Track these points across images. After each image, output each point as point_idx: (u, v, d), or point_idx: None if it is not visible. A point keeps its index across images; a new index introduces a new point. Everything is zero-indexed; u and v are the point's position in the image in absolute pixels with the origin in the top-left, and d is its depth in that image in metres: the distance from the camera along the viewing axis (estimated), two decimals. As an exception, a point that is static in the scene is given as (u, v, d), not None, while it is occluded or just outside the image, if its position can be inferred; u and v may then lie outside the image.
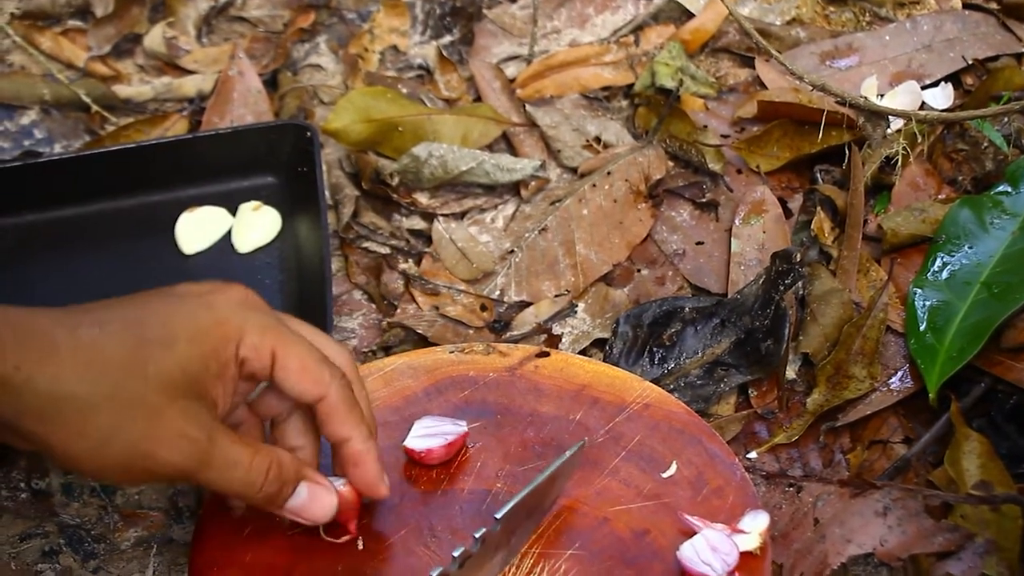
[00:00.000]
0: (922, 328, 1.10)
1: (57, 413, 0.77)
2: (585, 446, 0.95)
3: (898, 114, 1.23)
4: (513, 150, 1.33)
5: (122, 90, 1.39)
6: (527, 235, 1.24)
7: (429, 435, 0.99)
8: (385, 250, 1.25)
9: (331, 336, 0.94)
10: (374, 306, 1.21)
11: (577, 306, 1.20)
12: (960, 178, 1.25)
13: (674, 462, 0.98)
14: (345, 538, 0.92)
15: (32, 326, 0.77)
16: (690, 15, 1.43)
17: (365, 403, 0.91)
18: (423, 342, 1.16)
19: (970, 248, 1.15)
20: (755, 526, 0.92)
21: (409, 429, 1.00)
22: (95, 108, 1.37)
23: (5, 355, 0.75)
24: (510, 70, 1.40)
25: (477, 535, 0.84)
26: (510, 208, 1.28)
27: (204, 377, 0.82)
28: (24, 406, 0.76)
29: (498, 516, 0.85)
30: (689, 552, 0.90)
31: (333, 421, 0.88)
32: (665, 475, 0.98)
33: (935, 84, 1.32)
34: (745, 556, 0.91)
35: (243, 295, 0.87)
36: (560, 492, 0.94)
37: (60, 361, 0.77)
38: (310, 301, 1.14)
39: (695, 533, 0.92)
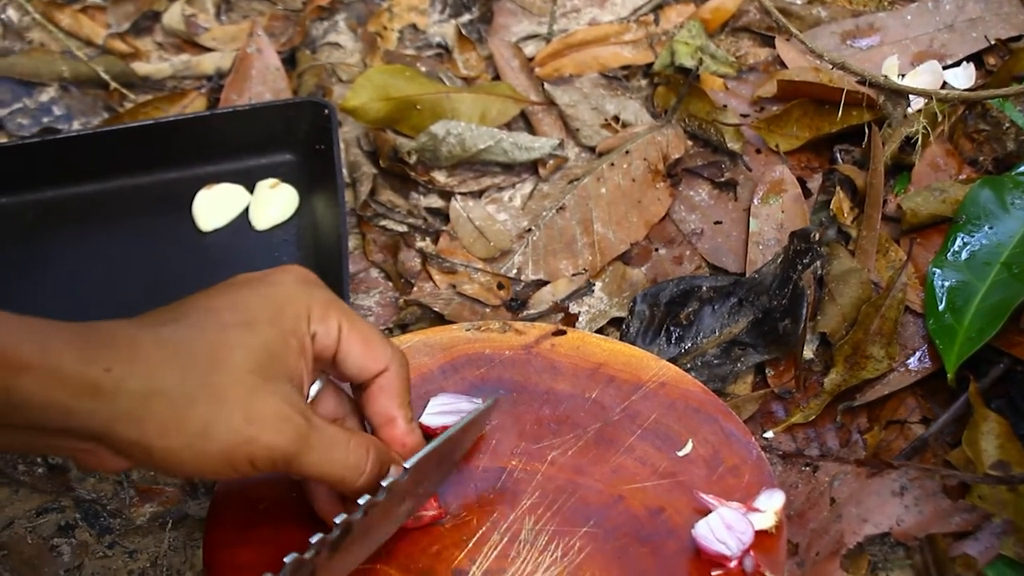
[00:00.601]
0: (941, 308, 1.10)
1: (153, 411, 0.75)
2: (499, 401, 0.95)
3: (918, 93, 1.22)
4: (531, 129, 1.32)
5: (141, 67, 1.39)
6: (545, 214, 1.24)
7: (445, 412, 0.99)
8: (402, 228, 1.25)
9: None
10: (391, 284, 1.21)
11: (594, 285, 1.20)
12: (981, 159, 1.24)
13: (690, 440, 0.98)
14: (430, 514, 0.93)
15: (112, 331, 0.77)
16: (710, -6, 1.43)
17: (408, 391, 0.90)
18: (439, 320, 1.16)
19: (990, 228, 1.14)
20: (770, 505, 0.91)
21: (425, 406, 1.00)
22: (114, 85, 1.37)
23: (94, 359, 0.74)
24: (529, 49, 1.40)
25: (384, 483, 0.83)
26: (528, 187, 1.28)
27: (287, 355, 0.81)
28: (118, 410, 0.75)
29: (407, 466, 0.84)
30: (704, 530, 0.90)
31: (385, 398, 0.87)
32: (681, 453, 0.97)
33: (957, 64, 1.31)
34: (760, 535, 0.91)
35: (302, 274, 0.86)
36: (470, 444, 0.94)
37: (148, 358, 0.76)
38: (327, 279, 1.12)
39: (710, 511, 0.91)
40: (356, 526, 0.80)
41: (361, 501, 0.81)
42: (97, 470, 0.79)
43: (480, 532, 0.93)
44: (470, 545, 0.92)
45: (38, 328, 0.74)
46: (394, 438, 0.88)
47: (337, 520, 0.80)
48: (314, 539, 0.78)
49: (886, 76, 1.26)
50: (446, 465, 0.92)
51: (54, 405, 0.73)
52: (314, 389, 0.87)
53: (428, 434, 0.98)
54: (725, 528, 0.90)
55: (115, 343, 0.76)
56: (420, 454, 0.86)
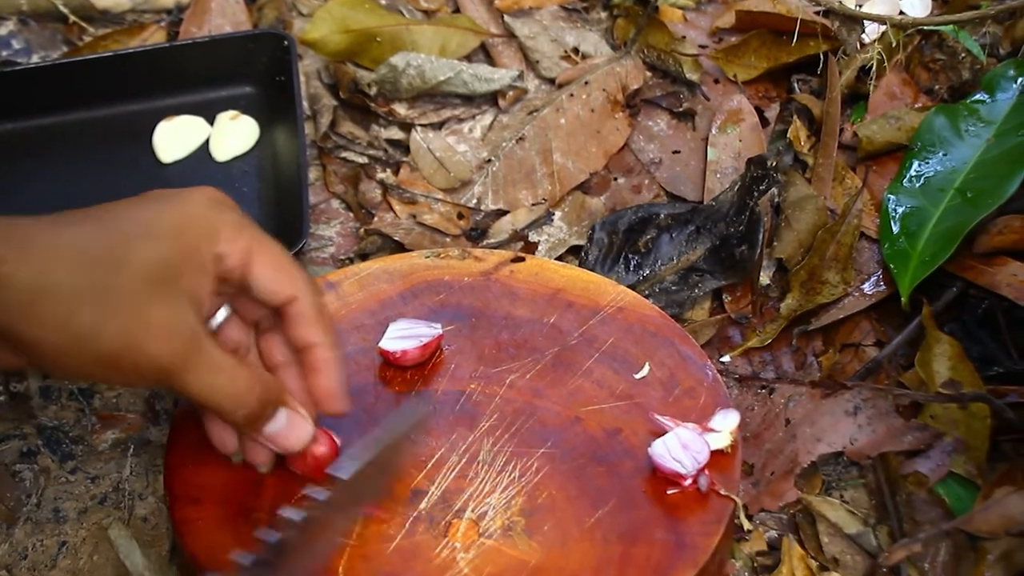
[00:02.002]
0: (895, 233, 1.11)
1: (40, 307, 0.76)
2: (429, 414, 0.94)
3: (872, 18, 1.23)
4: (491, 61, 1.33)
5: (100, 1, 1.38)
6: (504, 144, 1.24)
7: (404, 337, 1.00)
8: (363, 160, 1.25)
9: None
10: (351, 215, 1.21)
11: (554, 214, 1.20)
12: (937, 87, 1.25)
13: (647, 363, 0.99)
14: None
15: (11, 225, 0.77)
16: (670, -74, 1.42)
17: (329, 318, 0.89)
18: (400, 249, 1.17)
19: (945, 155, 1.15)
20: (725, 424, 0.93)
21: (384, 331, 1.00)
22: (73, 19, 1.36)
23: None
24: (489, -19, 1.40)
25: (322, 497, 0.82)
26: (488, 118, 1.28)
27: (186, 271, 0.81)
28: (8, 302, 0.76)
29: (344, 477, 0.83)
30: (660, 449, 0.91)
31: (301, 324, 0.87)
32: (638, 376, 0.98)
33: (913, -7, 1.32)
34: (716, 454, 0.92)
35: (215, 195, 0.86)
36: (407, 453, 0.92)
37: (42, 255, 0.76)
38: (287, 209, 1.14)
39: (666, 432, 0.93)
40: (298, 526, 0.80)
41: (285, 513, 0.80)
42: None
43: (439, 454, 0.94)
44: (429, 466, 0.93)
45: None
46: (315, 365, 0.88)
47: (268, 539, 0.79)
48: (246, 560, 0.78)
49: (841, 2, 1.26)
50: (387, 474, 0.90)
51: None
52: (220, 315, 0.88)
53: (387, 359, 0.99)
54: (681, 447, 0.91)
55: (10, 237, 0.76)
56: (356, 467, 0.84)
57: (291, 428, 0.88)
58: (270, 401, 0.86)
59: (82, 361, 0.78)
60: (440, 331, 1.00)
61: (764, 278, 1.12)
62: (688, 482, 0.90)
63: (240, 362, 0.84)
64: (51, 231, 0.78)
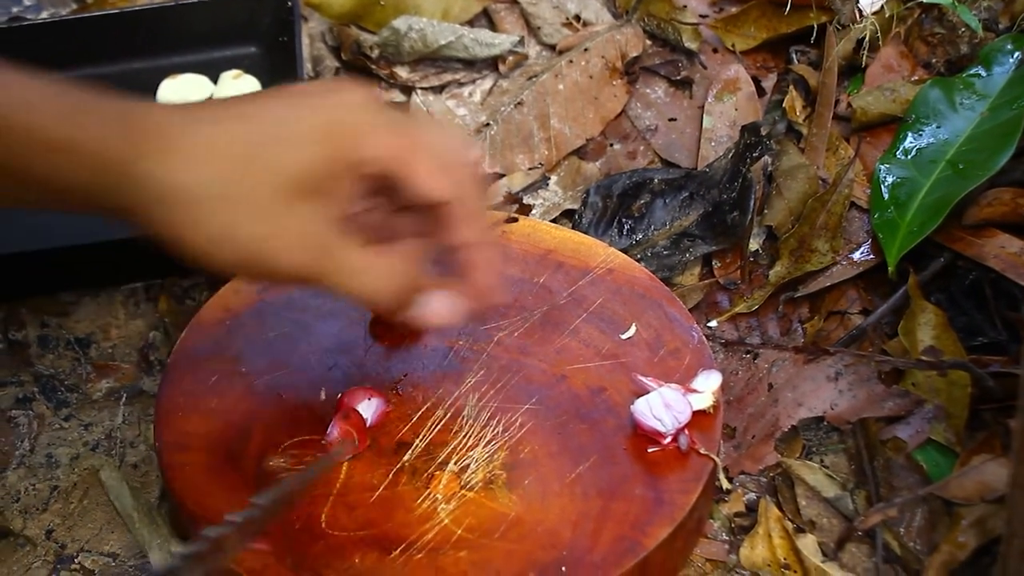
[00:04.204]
0: (885, 202, 1.11)
1: (177, 205, 0.75)
2: (343, 451, 0.92)
3: (868, -12, 1.24)
4: (493, 26, 1.34)
5: (108, -41, 1.40)
6: (503, 109, 1.25)
7: None
8: (363, 121, 1.27)
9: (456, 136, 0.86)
10: (350, 175, 1.23)
11: (549, 178, 1.21)
12: (934, 61, 1.26)
13: (634, 324, 1.00)
14: (346, 459, 0.93)
15: (148, 119, 0.76)
16: None
17: (483, 217, 0.87)
18: (396, 209, 1.18)
19: (938, 127, 1.16)
20: (708, 385, 0.94)
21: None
22: (81, -24, 1.38)
23: (125, 147, 0.74)
24: (494, -53, 1.41)
25: (237, 518, 0.80)
26: (488, 83, 1.29)
27: (327, 178, 0.78)
28: (146, 196, 0.75)
29: (259, 502, 0.82)
30: (643, 407, 0.92)
31: (454, 225, 0.83)
32: (624, 336, 1.00)
33: (914, -36, 1.32)
34: (698, 415, 0.93)
35: (365, 95, 0.81)
36: (310, 489, 0.90)
37: (178, 154, 0.75)
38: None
39: (648, 392, 0.94)
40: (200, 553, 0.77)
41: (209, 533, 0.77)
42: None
43: (424, 407, 0.96)
44: (414, 419, 0.95)
45: (70, 108, 0.75)
46: (471, 262, 0.85)
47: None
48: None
49: (838, -28, 1.27)
50: (283, 509, 0.87)
51: (82, 186, 0.75)
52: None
53: (377, 315, 1.01)
54: (663, 407, 0.92)
55: (149, 134, 0.75)
56: (270, 496, 0.83)
57: (435, 308, 0.86)
58: (410, 291, 0.85)
59: (220, 260, 0.77)
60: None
61: (754, 245, 1.13)
62: (667, 440, 0.92)
63: (378, 257, 0.82)
64: (191, 128, 0.76)
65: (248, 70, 1.26)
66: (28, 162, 0.75)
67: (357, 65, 1.30)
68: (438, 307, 0.86)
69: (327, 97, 0.80)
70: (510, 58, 1.30)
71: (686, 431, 0.92)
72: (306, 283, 0.81)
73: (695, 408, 0.93)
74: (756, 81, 1.25)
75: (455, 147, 0.84)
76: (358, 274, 0.81)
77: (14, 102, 0.74)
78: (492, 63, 1.30)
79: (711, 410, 0.94)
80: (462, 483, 0.91)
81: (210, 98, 0.78)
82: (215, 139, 0.77)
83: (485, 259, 0.85)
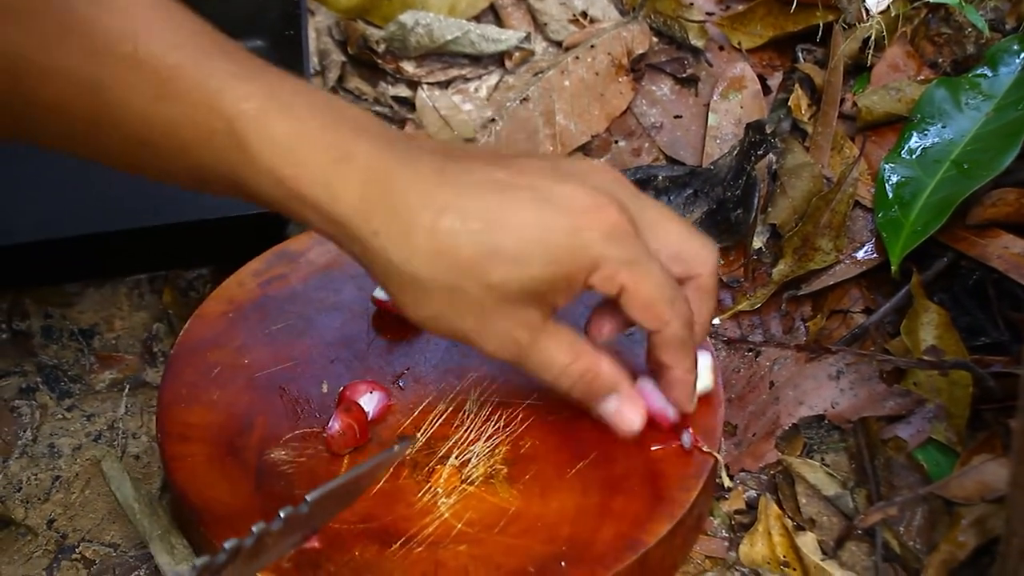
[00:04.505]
0: (889, 201, 1.11)
1: (399, 280, 0.81)
2: (411, 445, 0.93)
3: (873, -14, 1.24)
4: (500, 22, 1.34)
5: (116, -49, 1.39)
6: (509, 105, 1.25)
7: None
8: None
9: (699, 234, 0.89)
10: (355, 169, 1.23)
11: (554, 174, 1.21)
12: (941, 61, 1.26)
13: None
14: (347, 451, 0.93)
15: (405, 194, 0.80)
16: None
17: (707, 316, 0.90)
18: (401, 204, 1.18)
19: (943, 127, 1.16)
20: (700, 367, 0.94)
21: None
22: (89, -32, 1.38)
23: (371, 220, 0.79)
24: (500, -57, 1.41)
25: (283, 514, 0.80)
26: (494, 78, 1.30)
27: (551, 291, 0.82)
28: (375, 265, 0.81)
29: (308, 499, 0.81)
30: (649, 387, 0.92)
31: (662, 352, 0.88)
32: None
33: (922, -35, 1.32)
34: (701, 407, 0.93)
35: (615, 222, 0.82)
36: (374, 483, 0.90)
37: (414, 244, 0.80)
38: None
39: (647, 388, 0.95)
40: (243, 551, 0.77)
41: (255, 529, 0.77)
42: None
43: (426, 401, 0.96)
44: (416, 413, 0.95)
45: (329, 172, 0.79)
46: (670, 382, 0.90)
47: (226, 545, 0.76)
48: (198, 561, 0.76)
49: (845, -29, 1.27)
50: (347, 500, 0.88)
51: (324, 232, 0.82)
52: None
53: (381, 308, 1.01)
54: None
55: (397, 214, 0.79)
56: (322, 490, 0.82)
57: (621, 414, 0.89)
58: (598, 392, 0.88)
59: (429, 327, 0.84)
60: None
61: (757, 243, 1.14)
62: (670, 415, 0.92)
63: (576, 354, 0.86)
64: (433, 218, 0.79)
65: (254, 63, 1.26)
66: (281, 208, 0.81)
67: (363, 59, 1.30)
68: (623, 412, 0.90)
69: (573, 212, 0.81)
70: (516, 54, 1.30)
71: (689, 428, 0.92)
72: (510, 361, 0.85)
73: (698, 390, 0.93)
74: (762, 79, 1.25)
75: (691, 242, 0.87)
76: (547, 368, 0.86)
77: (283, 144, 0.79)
78: (498, 59, 1.30)
79: (711, 386, 0.94)
80: (463, 477, 0.91)
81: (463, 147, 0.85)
82: (452, 238, 0.80)
83: (680, 383, 0.90)
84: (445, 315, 0.82)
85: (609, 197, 0.82)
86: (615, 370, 0.88)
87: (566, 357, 0.85)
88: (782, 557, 0.94)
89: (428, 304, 0.81)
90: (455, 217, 0.80)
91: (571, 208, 0.81)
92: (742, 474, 0.99)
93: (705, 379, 0.93)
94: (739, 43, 1.28)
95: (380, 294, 1.01)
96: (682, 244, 0.87)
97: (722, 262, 1.13)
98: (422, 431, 0.94)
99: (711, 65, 1.27)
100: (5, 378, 1.07)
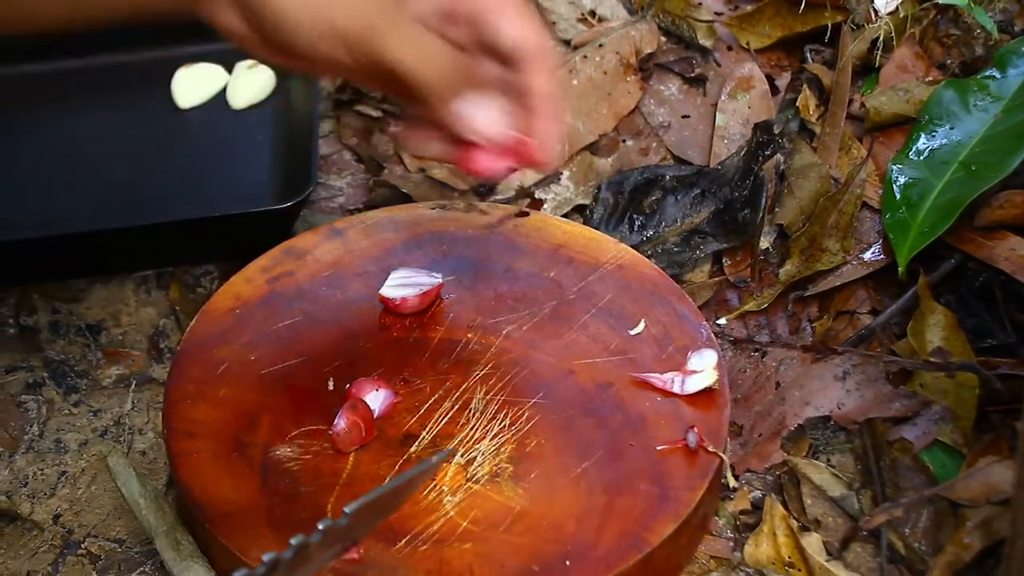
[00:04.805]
0: (896, 202, 1.11)
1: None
2: (446, 456, 0.92)
3: (881, -13, 1.23)
4: (508, 20, 1.34)
5: (125, -53, 1.40)
6: (517, 103, 1.25)
7: (404, 285, 1.02)
8: (377, 113, 1.27)
9: None
10: (362, 167, 1.23)
11: (561, 173, 1.21)
12: (949, 62, 1.26)
13: (643, 320, 1.00)
14: (352, 449, 0.93)
15: None
16: None
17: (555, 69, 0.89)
18: (408, 202, 1.18)
19: (951, 128, 1.15)
20: (704, 363, 0.94)
21: (385, 279, 1.02)
22: (98, -36, 1.38)
23: None
24: (510, -58, 1.41)
25: (321, 526, 0.79)
26: (502, 76, 1.30)
27: None
28: None
29: (347, 510, 0.81)
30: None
31: (532, 67, 0.87)
32: (633, 332, 1.00)
33: (930, -34, 1.32)
34: (703, 401, 0.94)
35: None
36: (412, 494, 0.89)
37: None
38: (297, 158, 1.16)
39: (652, 386, 0.95)
40: (282, 564, 0.77)
41: (293, 542, 0.77)
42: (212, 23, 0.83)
43: (432, 400, 0.96)
44: (422, 411, 0.95)
45: None
46: (538, 107, 0.88)
47: (264, 558, 0.76)
48: (237, 574, 0.76)
49: (854, -28, 1.27)
50: (384, 512, 0.87)
51: None
52: None
53: (388, 306, 1.01)
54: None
55: None
56: (361, 501, 0.82)
57: (480, 107, 0.88)
58: (464, 74, 0.86)
59: (313, 27, 0.79)
60: (440, 280, 1.02)
61: (764, 243, 1.13)
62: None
63: (433, 38, 0.84)
64: None
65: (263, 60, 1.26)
66: None
67: (372, 57, 1.30)
68: (487, 115, 0.88)
69: None
70: (524, 52, 1.30)
71: (694, 428, 0.92)
72: (369, 43, 0.81)
73: (700, 387, 0.94)
74: (770, 79, 1.25)
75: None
76: (411, 43, 0.82)
77: None
78: (506, 57, 1.30)
79: (716, 385, 0.94)
80: (468, 475, 0.91)
81: None
82: None
83: (551, 109, 0.87)
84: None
85: None
86: (469, 61, 0.87)
87: (430, 36, 0.84)
88: (787, 558, 0.94)
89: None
90: None
91: None
92: (747, 474, 0.99)
93: (710, 375, 0.94)
94: (747, 43, 1.28)
95: (387, 292, 1.01)
96: None
97: (729, 262, 1.13)
98: (428, 429, 0.94)
99: (719, 65, 1.27)
100: (12, 373, 1.07)
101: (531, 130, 0.88)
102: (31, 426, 1.03)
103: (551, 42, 0.85)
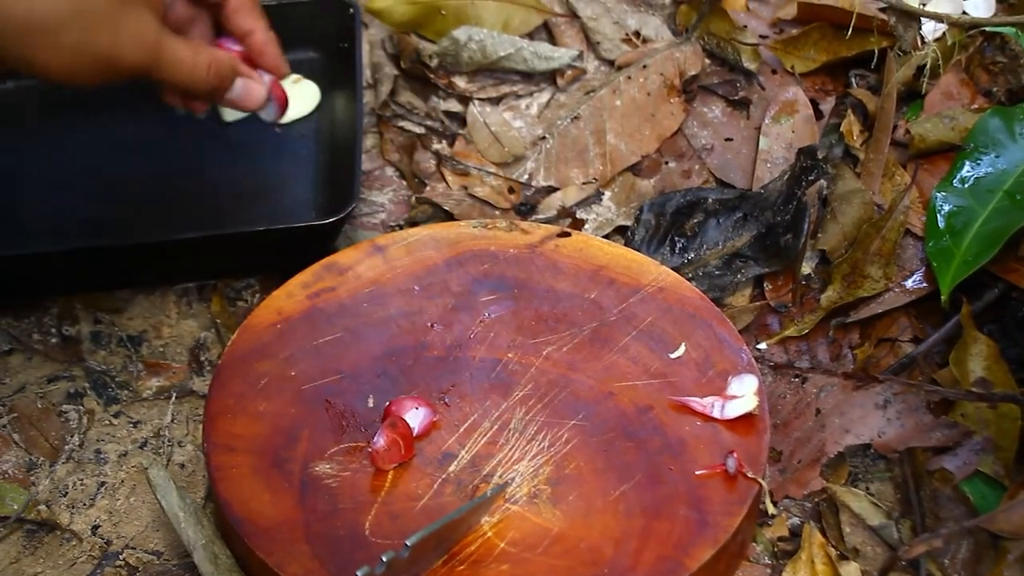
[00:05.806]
0: (940, 231, 1.11)
1: (34, 34, 0.91)
2: (503, 489, 0.92)
3: (929, 16, 1.22)
4: (553, 40, 1.34)
5: (173, -40, 1.40)
6: (559, 122, 1.25)
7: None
8: (420, 130, 1.27)
9: None
10: (404, 183, 1.23)
11: (603, 194, 1.22)
12: (995, 89, 1.25)
13: (683, 344, 1.00)
14: (391, 467, 0.93)
15: None
16: (738, -84, 1.43)
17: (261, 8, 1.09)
18: (449, 219, 1.18)
19: (997, 157, 1.15)
20: (745, 388, 0.94)
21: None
22: (146, -24, 1.39)
23: None
24: (556, -39, 1.41)
25: (385, 558, 0.81)
26: (545, 96, 1.30)
27: None
28: (6, 31, 0.90)
29: (408, 543, 0.82)
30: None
31: (240, 15, 1.07)
32: (673, 356, 1.00)
33: (978, -5, 1.32)
34: (744, 428, 0.94)
35: None
36: (471, 528, 0.90)
37: None
38: (340, 173, 1.16)
39: (692, 410, 0.94)
40: None
41: (360, 573, 0.80)
42: None
43: (471, 419, 0.96)
44: (461, 430, 0.95)
45: None
46: (255, 47, 1.08)
47: None
48: None
49: (902, -1, 1.26)
50: (445, 545, 0.88)
51: None
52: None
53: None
54: None
55: None
56: (422, 533, 0.83)
57: (246, 91, 1.07)
58: (225, 75, 1.04)
59: (73, 72, 0.94)
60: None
61: (806, 268, 1.13)
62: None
63: (197, 48, 1.01)
64: None
65: (308, 75, 1.27)
66: None
67: (416, 73, 1.30)
68: (248, 89, 1.07)
69: None
70: (568, 72, 1.30)
71: (734, 454, 0.92)
72: (147, 74, 0.98)
73: (740, 412, 0.94)
74: (814, 104, 1.25)
75: None
76: (179, 64, 0.99)
77: None
78: (550, 76, 1.31)
79: (756, 411, 0.94)
80: (506, 496, 0.91)
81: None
82: None
83: (270, 41, 1.09)
84: (84, 42, 0.93)
85: None
86: (229, 55, 1.05)
87: (190, 51, 1.00)
88: (825, 586, 0.93)
89: (66, 41, 0.92)
90: None
91: None
92: (786, 501, 0.99)
93: (751, 400, 0.93)
94: (792, 67, 1.28)
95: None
96: None
97: (770, 287, 1.13)
98: (467, 448, 0.94)
99: (763, 88, 1.27)
100: (54, 382, 1.08)
101: (263, 64, 1.10)
102: (71, 436, 1.04)
103: None
